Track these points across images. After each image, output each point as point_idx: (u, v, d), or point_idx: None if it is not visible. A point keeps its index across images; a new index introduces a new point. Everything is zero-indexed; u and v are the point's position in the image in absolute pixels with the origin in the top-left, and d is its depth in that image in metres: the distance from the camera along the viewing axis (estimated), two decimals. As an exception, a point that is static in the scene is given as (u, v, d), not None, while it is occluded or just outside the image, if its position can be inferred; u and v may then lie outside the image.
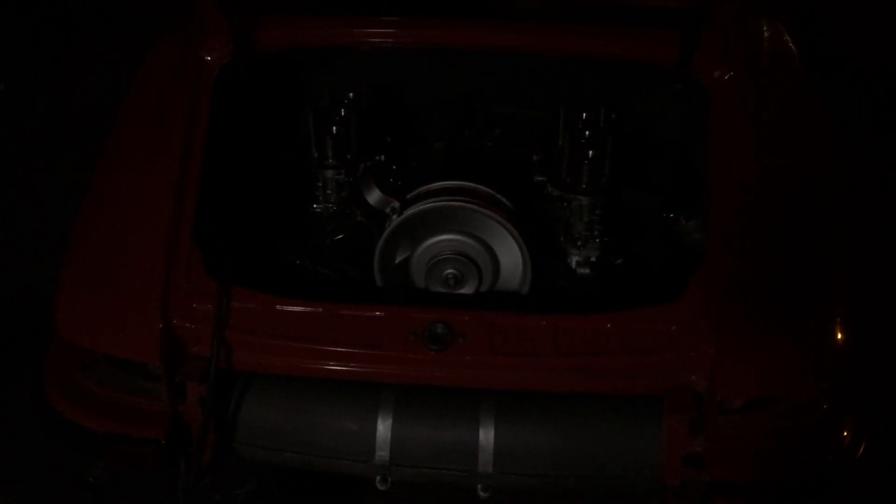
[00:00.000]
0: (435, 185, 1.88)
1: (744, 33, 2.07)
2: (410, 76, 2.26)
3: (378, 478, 1.67)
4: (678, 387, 1.60)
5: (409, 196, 1.86)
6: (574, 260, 1.96)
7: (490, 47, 2.04)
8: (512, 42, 2.03)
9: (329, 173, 2.03)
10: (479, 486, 1.67)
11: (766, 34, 2.15)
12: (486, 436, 1.63)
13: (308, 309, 1.67)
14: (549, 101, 2.15)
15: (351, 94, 2.12)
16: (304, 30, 2.04)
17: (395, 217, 1.82)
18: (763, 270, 1.71)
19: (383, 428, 1.64)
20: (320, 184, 2.04)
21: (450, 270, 1.83)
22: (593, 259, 1.95)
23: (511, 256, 1.86)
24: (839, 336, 1.66)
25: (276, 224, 1.99)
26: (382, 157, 2.05)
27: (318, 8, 2.08)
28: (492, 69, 2.22)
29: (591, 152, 1.92)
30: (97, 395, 1.73)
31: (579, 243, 1.94)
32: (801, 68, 2.13)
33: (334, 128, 2.00)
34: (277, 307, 1.67)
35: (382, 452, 1.64)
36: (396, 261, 1.85)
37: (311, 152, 2.03)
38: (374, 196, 1.86)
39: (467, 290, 1.85)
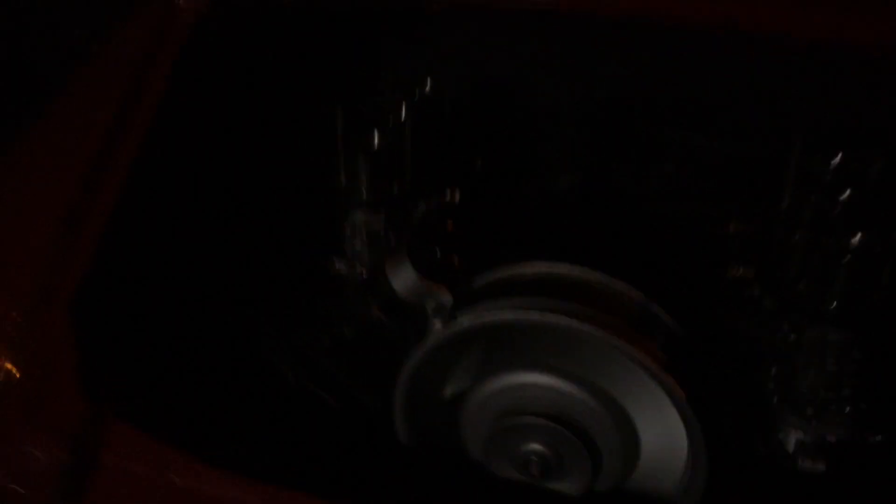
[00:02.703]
0: (527, 267, 0.98)
1: None
2: (531, 66, 1.36)
3: None
4: None
5: (471, 285, 0.98)
6: (795, 439, 0.99)
7: (689, 20, 1.11)
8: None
9: (359, 216, 1.18)
10: None
11: None
12: None
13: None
14: (772, 129, 1.19)
15: (426, 86, 1.27)
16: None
17: (437, 323, 0.94)
18: None
19: None
20: (348, 232, 1.20)
21: (536, 447, 0.92)
22: (833, 440, 0.98)
23: (664, 434, 0.93)
24: None
25: (260, 289, 1.17)
26: (457, 197, 1.18)
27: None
28: (670, 66, 1.29)
29: (857, 237, 0.95)
30: None
31: (810, 411, 0.98)
32: None
33: (376, 138, 1.16)
34: (192, 481, 0.85)
35: None
36: (434, 402, 0.98)
37: (338, 176, 1.19)
38: (403, 276, 0.97)
39: (566, 485, 0.93)
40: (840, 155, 1.05)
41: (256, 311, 1.12)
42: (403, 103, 1.19)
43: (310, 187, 1.23)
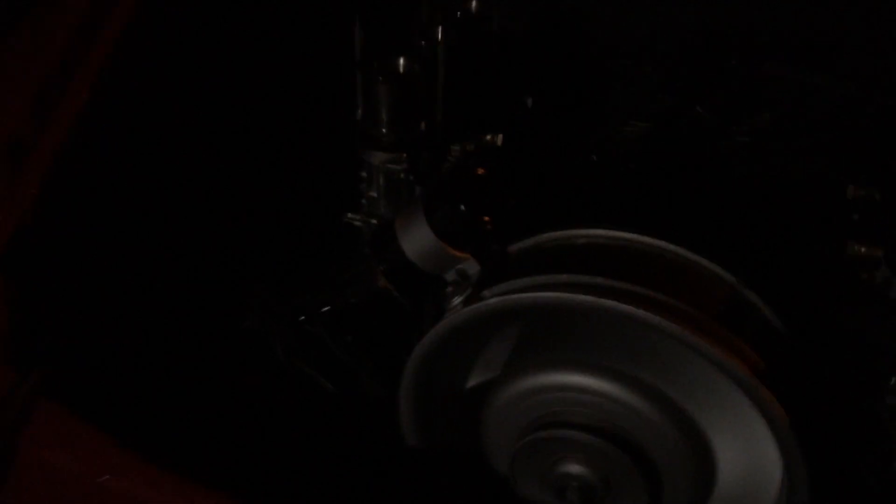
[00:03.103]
0: (580, 233, 0.75)
1: None
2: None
3: None
4: None
5: (505, 253, 0.75)
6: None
7: None
8: None
9: (377, 157, 0.96)
10: None
11: None
12: None
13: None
14: None
15: (472, 3, 1.03)
16: None
17: (456, 300, 0.72)
18: None
19: None
20: (364, 174, 0.98)
21: (578, 469, 0.70)
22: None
23: (751, 461, 0.70)
24: None
25: (248, 243, 0.97)
26: (499, 141, 0.96)
27: None
28: None
29: None
30: None
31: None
32: None
33: (402, 61, 0.93)
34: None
35: None
36: (450, 398, 0.77)
37: (355, 108, 0.97)
38: (417, 237, 0.75)
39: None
40: None
41: (241, 270, 0.92)
42: (441, 21, 0.96)
43: (319, 119, 1.02)
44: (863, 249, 0.82)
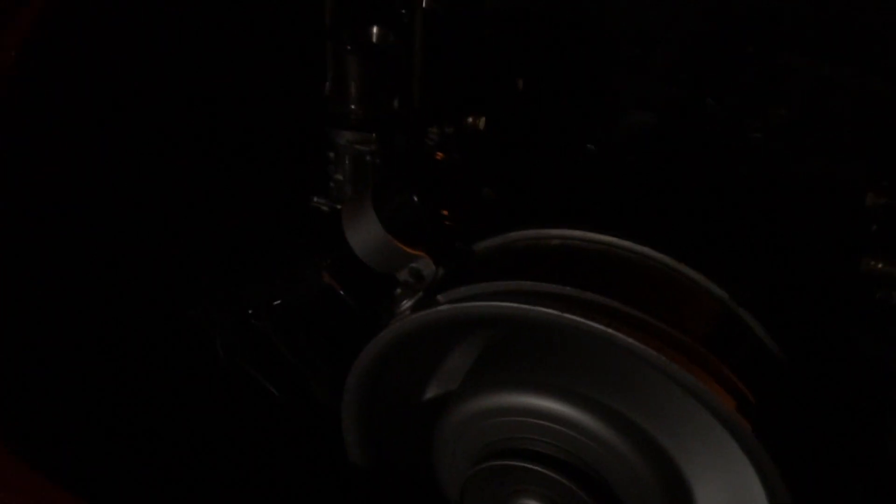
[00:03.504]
0: (554, 233, 0.65)
1: None
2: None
3: None
4: None
5: (467, 251, 0.66)
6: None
7: None
8: None
9: (345, 136, 0.87)
10: None
11: None
12: None
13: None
14: None
15: None
16: None
17: (406, 304, 0.63)
18: None
19: None
20: (331, 154, 0.90)
21: (534, 491, 0.62)
22: None
23: (732, 496, 0.61)
24: None
25: (196, 229, 0.88)
26: (481, 124, 0.87)
27: None
28: None
29: None
30: None
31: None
32: None
33: (376, 30, 0.84)
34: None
35: None
36: (399, 411, 0.69)
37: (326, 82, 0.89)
38: (364, 230, 0.66)
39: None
40: None
41: (192, 255, 0.84)
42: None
43: (284, 92, 0.93)
44: (880, 266, 0.72)
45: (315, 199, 0.91)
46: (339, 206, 0.90)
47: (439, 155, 0.69)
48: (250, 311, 0.80)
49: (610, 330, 0.54)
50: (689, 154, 0.93)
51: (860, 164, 0.86)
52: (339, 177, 0.88)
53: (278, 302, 0.79)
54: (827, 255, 0.75)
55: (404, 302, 0.62)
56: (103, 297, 0.74)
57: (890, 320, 0.73)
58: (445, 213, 0.64)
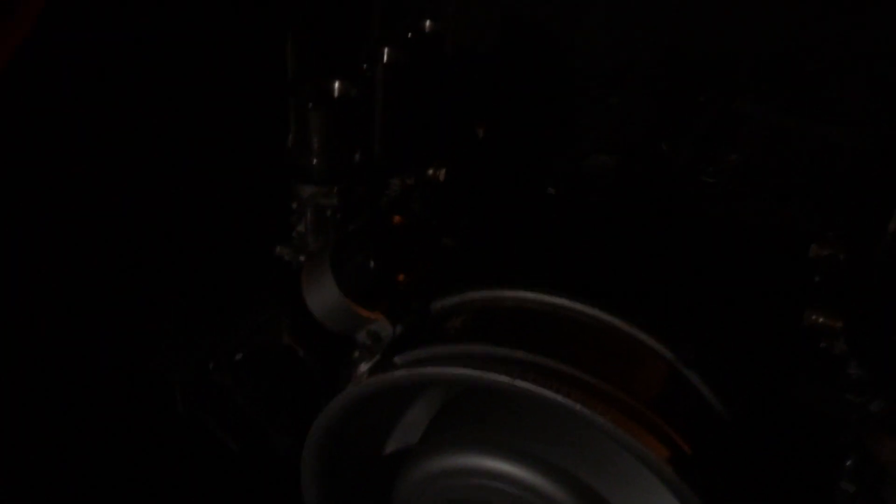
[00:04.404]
0: (507, 294, 0.67)
1: None
2: (571, 6, 1.03)
3: None
4: None
5: (424, 312, 0.68)
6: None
7: None
8: None
9: (306, 190, 0.88)
10: None
11: None
12: None
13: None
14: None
15: (425, 22, 0.96)
16: None
17: (363, 367, 0.65)
18: None
19: None
20: (294, 205, 0.91)
21: None
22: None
23: None
24: None
25: (159, 277, 0.89)
26: (441, 173, 0.88)
27: None
28: (761, 17, 0.95)
29: None
30: None
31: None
32: None
33: (338, 84, 0.86)
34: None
35: None
36: (359, 468, 0.70)
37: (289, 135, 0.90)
38: (321, 292, 0.67)
39: None
40: None
41: (154, 303, 0.84)
42: (389, 41, 0.89)
43: (250, 144, 0.94)
44: (821, 320, 0.74)
45: (278, 248, 0.93)
46: (301, 258, 0.91)
47: (397, 218, 0.71)
48: (211, 364, 0.81)
49: (559, 397, 0.56)
50: (647, 197, 0.96)
51: (809, 214, 0.89)
52: (301, 228, 0.89)
53: (239, 355, 0.80)
54: (774, 306, 0.77)
55: (362, 365, 0.64)
56: (62, 348, 0.75)
57: (832, 369, 0.76)
58: (401, 277, 0.66)
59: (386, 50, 0.89)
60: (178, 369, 0.79)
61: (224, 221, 0.94)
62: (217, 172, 0.92)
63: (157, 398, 0.77)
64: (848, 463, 0.73)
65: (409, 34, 0.95)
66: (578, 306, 0.65)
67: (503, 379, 0.58)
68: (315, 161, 0.86)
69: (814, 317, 0.75)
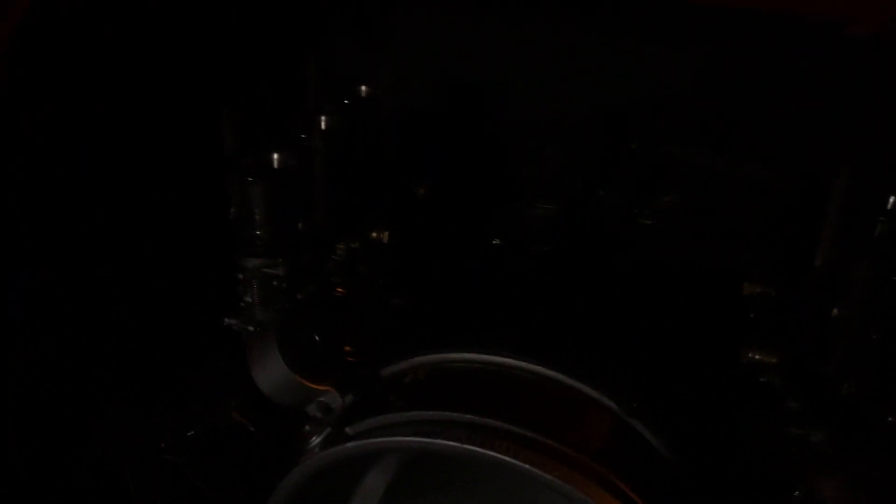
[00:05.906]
0: (455, 356, 0.69)
1: None
2: (505, 63, 1.07)
3: None
4: None
5: (374, 380, 0.69)
6: None
7: None
8: None
9: (254, 262, 0.89)
10: None
11: None
12: None
13: None
14: (814, 153, 0.89)
15: (360, 88, 0.98)
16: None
17: (315, 440, 0.65)
18: None
19: None
20: (241, 275, 0.91)
21: None
22: None
23: None
24: None
25: (106, 349, 0.88)
26: (385, 236, 0.90)
27: None
28: (682, 65, 0.99)
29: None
30: None
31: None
32: None
33: (276, 155, 0.87)
34: None
35: None
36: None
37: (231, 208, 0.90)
38: (269, 369, 0.67)
39: None
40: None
41: (98, 380, 0.83)
42: (326, 109, 0.91)
43: (193, 217, 0.95)
44: (757, 356, 0.77)
45: (226, 319, 0.93)
46: (249, 328, 0.91)
47: (339, 290, 0.72)
48: (162, 444, 0.80)
49: (507, 458, 0.57)
50: (588, 242, 0.99)
51: (740, 252, 0.93)
52: (249, 299, 0.89)
53: (191, 433, 0.79)
54: (710, 344, 0.80)
55: (313, 438, 0.64)
56: (6, 437, 0.73)
57: (772, 403, 0.78)
58: (348, 348, 0.67)
59: (323, 118, 0.91)
60: (128, 452, 0.78)
61: (171, 296, 0.93)
62: (161, 246, 0.92)
63: (108, 481, 0.76)
64: (795, 494, 0.75)
65: (345, 100, 0.98)
66: (523, 364, 0.66)
67: (452, 444, 0.59)
68: (258, 233, 0.87)
69: (750, 354, 0.78)
